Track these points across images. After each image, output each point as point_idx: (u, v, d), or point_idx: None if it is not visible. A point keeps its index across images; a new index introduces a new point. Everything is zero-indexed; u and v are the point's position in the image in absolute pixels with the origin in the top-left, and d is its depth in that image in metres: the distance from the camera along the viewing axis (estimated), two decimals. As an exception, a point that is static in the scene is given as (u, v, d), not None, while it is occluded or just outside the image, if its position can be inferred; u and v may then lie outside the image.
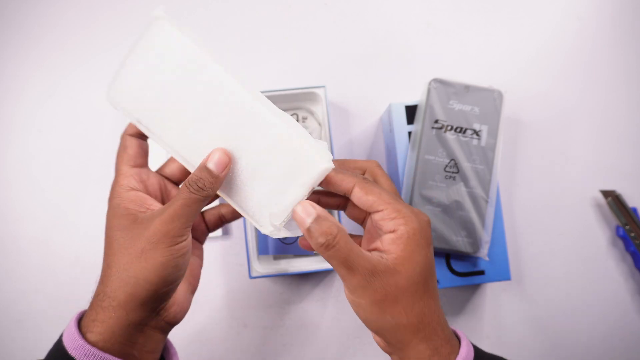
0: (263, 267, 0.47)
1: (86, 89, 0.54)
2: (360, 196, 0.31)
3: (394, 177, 0.50)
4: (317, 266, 0.47)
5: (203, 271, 0.52)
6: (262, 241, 0.48)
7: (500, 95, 0.47)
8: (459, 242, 0.45)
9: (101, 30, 0.56)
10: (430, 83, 0.47)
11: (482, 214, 0.45)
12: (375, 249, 0.31)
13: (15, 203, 0.53)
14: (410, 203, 0.46)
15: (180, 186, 0.33)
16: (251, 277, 0.46)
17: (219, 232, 0.51)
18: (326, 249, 0.29)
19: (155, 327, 0.32)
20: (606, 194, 0.52)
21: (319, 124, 0.52)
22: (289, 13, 0.57)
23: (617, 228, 0.52)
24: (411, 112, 0.48)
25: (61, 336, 0.30)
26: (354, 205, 0.34)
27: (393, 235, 0.30)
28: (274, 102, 0.53)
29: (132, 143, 0.33)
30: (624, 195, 0.52)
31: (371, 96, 0.55)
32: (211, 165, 0.30)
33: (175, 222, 0.30)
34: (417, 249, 0.30)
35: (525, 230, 0.53)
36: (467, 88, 0.47)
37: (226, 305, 0.52)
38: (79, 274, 0.52)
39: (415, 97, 0.49)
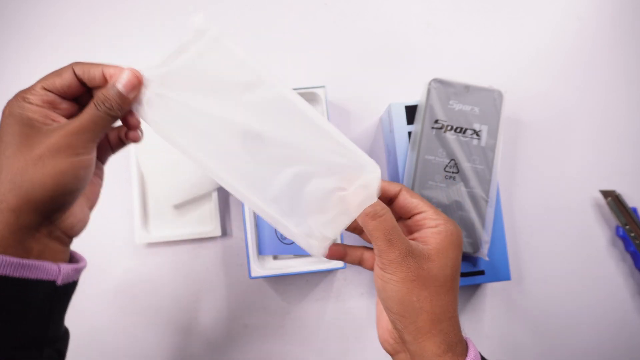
0: (263, 267, 0.47)
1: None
2: (406, 197, 0.35)
3: (394, 177, 0.50)
4: (317, 266, 0.47)
5: (203, 271, 0.52)
6: (262, 241, 0.48)
7: (500, 95, 0.47)
8: (459, 242, 0.45)
9: (101, 31, 0.56)
10: (430, 83, 0.47)
11: (482, 214, 0.45)
12: (413, 239, 0.33)
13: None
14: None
15: (90, 103, 0.31)
16: (251, 277, 0.46)
17: (218, 231, 0.51)
18: (372, 218, 0.31)
19: (50, 235, 0.31)
20: (606, 194, 0.52)
21: (319, 124, 0.52)
22: (289, 13, 0.57)
23: (617, 228, 0.52)
24: (411, 112, 0.48)
25: None
26: (395, 210, 0.35)
27: (434, 229, 0.33)
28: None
29: (68, 76, 0.31)
30: (624, 195, 0.52)
31: (371, 96, 0.55)
32: (120, 86, 0.30)
33: (80, 136, 0.30)
34: (452, 246, 0.32)
35: (525, 230, 0.53)
36: (467, 88, 0.47)
37: (226, 305, 0.52)
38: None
39: (415, 97, 0.49)
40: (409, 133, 0.48)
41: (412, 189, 0.46)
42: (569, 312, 0.52)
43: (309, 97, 0.50)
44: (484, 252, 0.45)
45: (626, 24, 0.57)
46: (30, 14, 0.56)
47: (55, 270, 0.30)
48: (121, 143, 0.37)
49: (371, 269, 0.35)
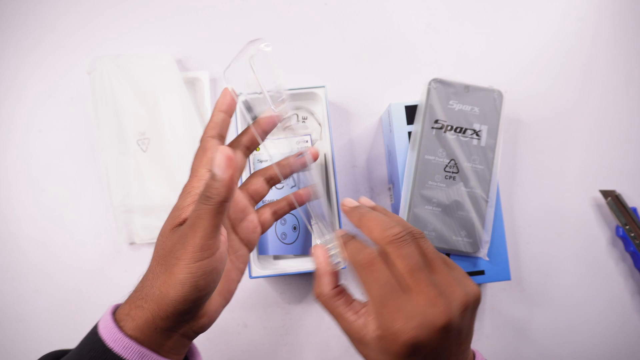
0: (263, 267, 0.47)
1: (86, 89, 0.54)
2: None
3: (394, 177, 0.50)
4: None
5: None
6: (262, 241, 0.48)
7: (500, 95, 0.47)
8: (459, 242, 0.45)
9: (101, 30, 0.56)
10: (430, 83, 0.47)
11: (482, 214, 0.45)
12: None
13: (15, 203, 0.53)
14: (410, 203, 0.46)
15: None
16: (251, 277, 0.46)
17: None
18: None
19: (182, 334, 0.32)
20: (606, 194, 0.52)
21: (319, 124, 0.52)
22: (289, 13, 0.57)
23: (617, 228, 0.52)
24: (411, 112, 0.48)
25: (96, 327, 0.30)
26: None
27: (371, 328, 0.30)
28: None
29: (212, 145, 0.32)
30: (624, 195, 0.52)
31: (371, 96, 0.55)
32: (215, 169, 0.28)
33: (193, 238, 0.28)
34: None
35: (525, 230, 0.53)
36: (467, 88, 0.47)
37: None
38: (78, 274, 0.52)
39: (415, 97, 0.49)
40: (409, 133, 0.48)
41: (412, 188, 0.46)
42: (569, 312, 0.52)
43: (309, 96, 0.50)
44: (484, 252, 0.45)
45: (626, 24, 0.57)
46: (30, 14, 0.56)
47: None
48: (274, 218, 0.37)
49: None
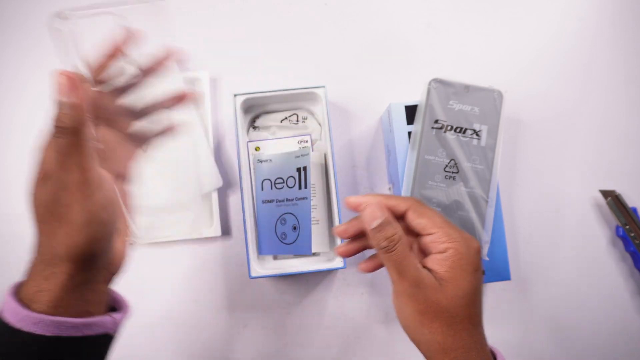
0: (263, 267, 0.47)
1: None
2: (413, 218, 0.32)
3: (394, 177, 0.50)
4: (317, 266, 0.47)
5: (203, 271, 0.52)
6: (262, 241, 0.48)
7: (500, 95, 0.47)
8: (459, 242, 0.45)
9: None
10: (430, 83, 0.47)
11: (482, 214, 0.45)
12: (425, 265, 0.32)
13: (15, 203, 0.53)
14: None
15: None
16: (251, 277, 0.46)
17: (218, 231, 0.50)
18: (385, 251, 0.31)
19: (101, 280, 0.32)
20: (606, 194, 0.52)
21: (319, 124, 0.52)
22: (289, 13, 0.57)
23: (617, 228, 0.52)
24: (411, 112, 0.48)
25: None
26: (406, 228, 0.34)
27: (440, 256, 0.31)
28: (275, 102, 0.54)
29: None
30: (624, 195, 0.52)
31: (371, 96, 0.55)
32: (59, 97, 0.28)
33: (64, 172, 0.28)
34: (462, 273, 0.31)
35: (525, 230, 0.53)
36: (467, 88, 0.47)
37: (226, 305, 0.52)
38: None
39: (415, 97, 0.49)
40: (409, 133, 0.48)
41: (412, 188, 0.46)
42: (569, 312, 0.52)
43: (309, 96, 0.50)
44: (484, 252, 0.45)
45: (626, 24, 0.57)
46: (30, 14, 0.56)
47: (110, 322, 0.31)
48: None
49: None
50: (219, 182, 0.51)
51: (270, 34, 0.56)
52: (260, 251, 0.48)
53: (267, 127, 0.52)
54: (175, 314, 0.51)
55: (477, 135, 0.46)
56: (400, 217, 0.33)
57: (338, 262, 0.46)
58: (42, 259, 0.29)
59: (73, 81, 0.28)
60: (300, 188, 0.46)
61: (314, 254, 0.49)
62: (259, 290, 0.52)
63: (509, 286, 0.52)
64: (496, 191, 0.46)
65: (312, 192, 0.47)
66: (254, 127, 0.52)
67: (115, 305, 0.34)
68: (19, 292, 0.29)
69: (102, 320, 0.30)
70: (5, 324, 0.28)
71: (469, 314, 0.31)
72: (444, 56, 0.56)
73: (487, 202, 0.46)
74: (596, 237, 0.53)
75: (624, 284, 0.53)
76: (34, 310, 0.28)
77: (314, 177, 0.48)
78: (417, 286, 0.30)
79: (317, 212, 0.48)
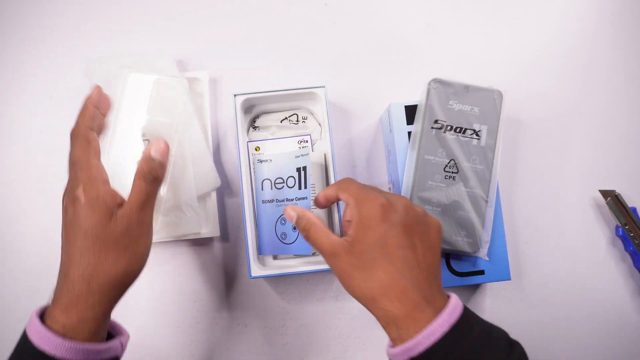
0: (263, 267, 0.47)
1: (86, 89, 0.54)
2: (341, 196, 0.38)
3: (394, 177, 0.50)
4: (317, 266, 0.47)
5: (203, 271, 0.52)
6: (262, 241, 0.48)
7: (500, 95, 0.47)
8: (459, 242, 0.45)
9: (101, 31, 0.56)
10: (430, 83, 0.47)
11: (482, 214, 0.45)
12: (344, 234, 0.37)
13: (15, 203, 0.53)
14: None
15: (135, 178, 0.36)
16: (251, 277, 0.46)
17: (217, 232, 0.50)
18: (307, 239, 0.38)
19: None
20: (606, 194, 0.52)
21: (319, 124, 0.52)
22: (289, 13, 0.57)
23: (617, 228, 0.52)
24: (411, 112, 0.48)
25: (25, 334, 0.31)
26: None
27: (352, 221, 0.35)
28: (275, 102, 0.54)
29: (95, 138, 0.37)
30: (624, 195, 0.52)
31: (371, 96, 0.55)
32: (156, 154, 0.36)
33: (146, 211, 0.34)
34: (365, 230, 0.34)
35: (525, 230, 0.53)
36: (467, 88, 0.47)
37: (226, 305, 0.52)
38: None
39: (415, 97, 0.49)
40: (409, 133, 0.48)
41: (412, 189, 0.46)
42: (569, 312, 0.52)
43: (309, 97, 0.50)
44: (483, 252, 0.45)
45: (626, 24, 0.57)
46: (30, 14, 0.56)
47: (118, 347, 0.34)
48: None
49: None
50: (217, 183, 0.51)
51: (270, 34, 0.56)
52: (260, 251, 0.48)
53: (267, 127, 0.52)
54: (175, 314, 0.51)
55: (477, 135, 0.46)
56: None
57: None
58: (87, 288, 0.32)
59: (167, 148, 0.37)
60: (300, 188, 0.46)
61: (314, 254, 0.49)
62: (259, 290, 0.52)
63: (509, 286, 0.52)
64: (496, 191, 0.46)
65: (312, 192, 0.47)
66: (254, 127, 0.52)
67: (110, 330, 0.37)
68: (50, 318, 0.31)
69: (115, 345, 0.34)
70: (34, 348, 0.30)
71: (385, 261, 0.33)
72: (444, 56, 0.56)
73: (487, 202, 0.46)
74: (596, 237, 0.53)
75: (623, 284, 0.53)
76: (74, 339, 0.30)
77: (314, 177, 0.48)
78: (332, 256, 0.35)
79: (316, 212, 0.48)
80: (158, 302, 0.51)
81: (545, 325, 0.52)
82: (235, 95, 0.49)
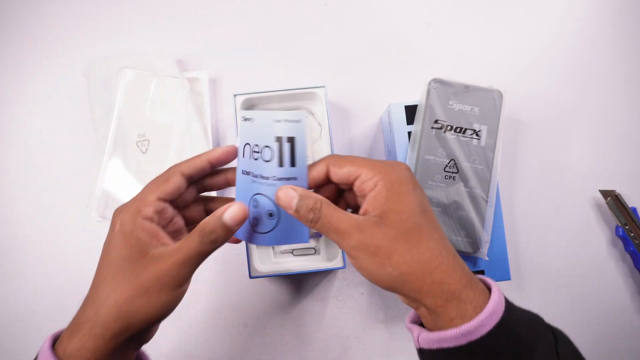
0: (263, 267, 0.47)
1: (86, 89, 0.54)
2: (336, 172, 0.32)
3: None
4: (317, 266, 0.47)
5: (203, 271, 0.52)
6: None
7: (500, 95, 0.47)
8: (459, 242, 0.45)
9: (101, 30, 0.56)
10: (430, 83, 0.47)
11: (482, 214, 0.45)
12: (364, 213, 0.31)
13: (15, 203, 0.53)
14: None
15: (194, 230, 0.31)
16: (251, 277, 0.46)
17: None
18: (315, 223, 0.30)
19: (135, 348, 0.33)
20: (606, 194, 0.52)
21: (319, 124, 0.52)
22: (289, 13, 0.57)
23: (617, 228, 0.52)
24: (411, 112, 0.48)
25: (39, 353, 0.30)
26: (348, 192, 0.34)
27: (373, 192, 0.30)
28: (275, 102, 0.54)
29: (178, 181, 0.33)
30: (624, 195, 0.52)
31: (371, 96, 0.55)
32: (228, 220, 0.30)
33: (186, 269, 0.30)
34: (399, 197, 0.29)
35: (525, 230, 0.53)
36: (467, 88, 0.47)
37: (226, 305, 0.52)
38: (78, 275, 0.52)
39: (415, 97, 0.49)
40: (409, 133, 0.48)
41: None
42: (569, 312, 0.52)
43: (309, 96, 0.50)
44: (483, 252, 0.45)
45: (626, 24, 0.57)
46: (30, 14, 0.56)
47: None
48: None
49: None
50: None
51: (270, 34, 0.56)
52: (240, 235, 0.38)
53: (267, 127, 0.51)
54: (174, 314, 0.51)
55: (477, 135, 0.46)
56: (327, 183, 0.33)
57: (338, 262, 0.46)
58: (94, 316, 0.30)
59: (244, 216, 0.31)
60: (281, 165, 0.33)
61: (315, 252, 0.49)
62: (259, 290, 0.52)
63: (509, 286, 0.52)
64: (496, 191, 0.46)
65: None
66: (254, 127, 0.51)
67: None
68: (60, 339, 0.30)
69: None
70: None
71: (423, 232, 0.29)
72: (444, 56, 0.56)
73: (487, 202, 0.46)
74: (596, 237, 0.53)
75: (623, 284, 0.53)
76: None
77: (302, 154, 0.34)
78: (359, 232, 0.29)
79: None
80: (158, 302, 0.51)
81: (545, 325, 0.52)
82: (235, 95, 0.49)
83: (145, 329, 0.31)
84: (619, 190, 0.52)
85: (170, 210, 0.33)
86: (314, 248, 0.49)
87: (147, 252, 0.30)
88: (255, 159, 0.34)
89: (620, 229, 0.51)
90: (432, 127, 0.46)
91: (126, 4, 0.56)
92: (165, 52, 0.52)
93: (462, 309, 0.27)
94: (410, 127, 0.48)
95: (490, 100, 0.47)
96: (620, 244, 0.53)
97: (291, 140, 0.33)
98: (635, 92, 0.56)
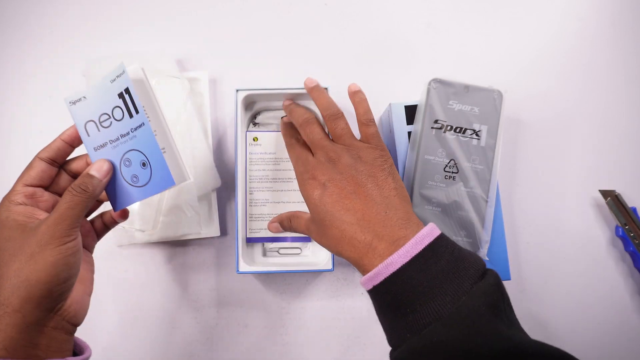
0: (263, 265, 0.47)
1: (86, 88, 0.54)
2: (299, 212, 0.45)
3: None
4: (317, 266, 0.47)
5: (203, 272, 0.52)
6: (113, 195, 0.39)
7: (500, 95, 0.47)
8: (459, 242, 0.45)
9: (101, 31, 0.56)
10: (430, 83, 0.47)
11: (482, 214, 0.45)
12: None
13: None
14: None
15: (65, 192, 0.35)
16: (238, 272, 0.46)
17: (217, 232, 0.50)
18: (292, 231, 0.44)
19: (56, 327, 0.33)
20: (606, 194, 0.52)
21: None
22: (289, 13, 0.57)
23: (617, 228, 0.52)
24: (411, 112, 0.48)
25: None
26: None
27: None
28: (276, 100, 0.54)
29: (38, 165, 0.36)
30: (624, 195, 0.52)
31: (371, 96, 0.55)
32: (93, 172, 0.35)
33: (61, 224, 0.32)
34: (310, 206, 0.39)
35: (525, 230, 0.53)
36: (467, 88, 0.47)
37: (226, 305, 0.52)
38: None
39: (415, 97, 0.49)
40: (409, 133, 0.48)
41: (412, 188, 0.46)
42: (569, 312, 0.52)
43: (310, 97, 0.50)
44: (483, 252, 0.45)
45: (626, 24, 0.57)
46: (30, 14, 0.56)
47: None
48: (106, 228, 0.41)
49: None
50: (217, 183, 0.51)
51: (270, 34, 0.56)
52: (115, 207, 0.39)
53: (267, 124, 0.52)
54: (175, 314, 0.51)
55: (477, 135, 0.46)
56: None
57: (327, 265, 0.47)
58: None
59: (110, 169, 0.36)
60: (131, 116, 0.36)
61: (302, 253, 0.49)
62: (259, 290, 0.52)
63: (509, 286, 0.52)
64: (496, 191, 0.46)
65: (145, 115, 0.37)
66: (255, 124, 0.52)
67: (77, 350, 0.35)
68: None
69: None
70: None
71: (332, 218, 0.37)
72: (444, 56, 0.56)
73: (486, 202, 0.46)
74: (596, 237, 0.53)
75: (623, 283, 0.53)
76: None
77: (141, 98, 0.38)
78: (309, 232, 0.41)
79: (158, 139, 0.37)
80: (157, 302, 0.51)
81: (545, 325, 0.52)
82: (237, 91, 0.49)
83: (50, 297, 0.31)
84: (619, 190, 0.52)
85: (45, 194, 0.36)
86: (299, 248, 0.50)
87: (27, 228, 0.33)
88: (108, 126, 0.37)
89: (620, 229, 0.51)
90: (432, 127, 0.46)
91: (126, 4, 0.56)
92: (165, 52, 0.52)
93: (366, 268, 0.35)
94: (410, 127, 0.48)
95: (490, 100, 0.47)
96: (620, 244, 0.53)
97: (127, 91, 0.36)
98: (635, 92, 0.56)
